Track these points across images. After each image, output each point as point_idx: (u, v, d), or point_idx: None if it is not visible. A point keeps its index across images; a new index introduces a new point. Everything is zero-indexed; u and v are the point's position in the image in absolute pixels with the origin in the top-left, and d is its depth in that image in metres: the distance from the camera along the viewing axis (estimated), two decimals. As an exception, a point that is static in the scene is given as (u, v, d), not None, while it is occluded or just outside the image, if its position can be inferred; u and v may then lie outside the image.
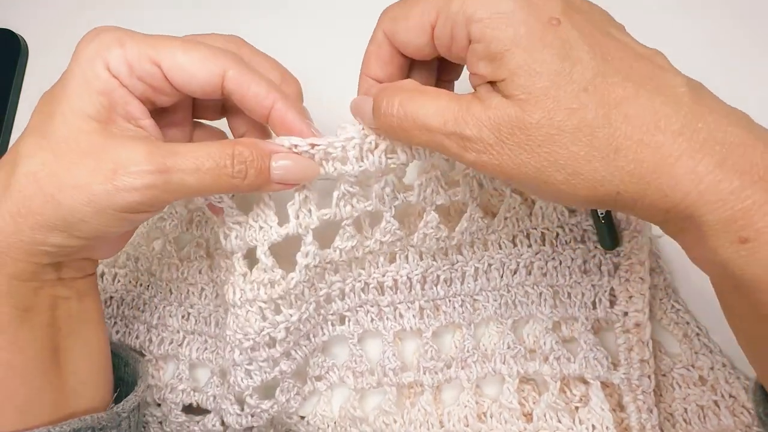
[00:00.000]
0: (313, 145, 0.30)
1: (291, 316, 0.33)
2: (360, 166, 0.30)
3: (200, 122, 0.35)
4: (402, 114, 0.27)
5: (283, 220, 0.32)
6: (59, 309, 0.30)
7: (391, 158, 0.31)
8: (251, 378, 0.34)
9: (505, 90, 0.25)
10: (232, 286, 0.33)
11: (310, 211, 0.32)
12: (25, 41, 0.50)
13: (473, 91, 0.27)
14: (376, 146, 0.30)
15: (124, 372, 0.36)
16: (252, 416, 0.36)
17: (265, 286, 0.33)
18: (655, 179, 0.23)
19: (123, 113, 0.28)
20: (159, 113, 0.31)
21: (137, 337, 0.40)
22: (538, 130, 0.24)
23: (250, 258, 0.33)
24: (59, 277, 0.30)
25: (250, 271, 0.33)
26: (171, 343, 0.40)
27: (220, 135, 0.36)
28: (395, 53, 0.30)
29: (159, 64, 0.27)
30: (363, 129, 0.30)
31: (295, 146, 0.30)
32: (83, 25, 0.49)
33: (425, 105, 0.27)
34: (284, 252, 0.33)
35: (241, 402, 0.36)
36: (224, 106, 0.34)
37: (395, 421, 0.37)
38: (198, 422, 0.39)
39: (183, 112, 0.33)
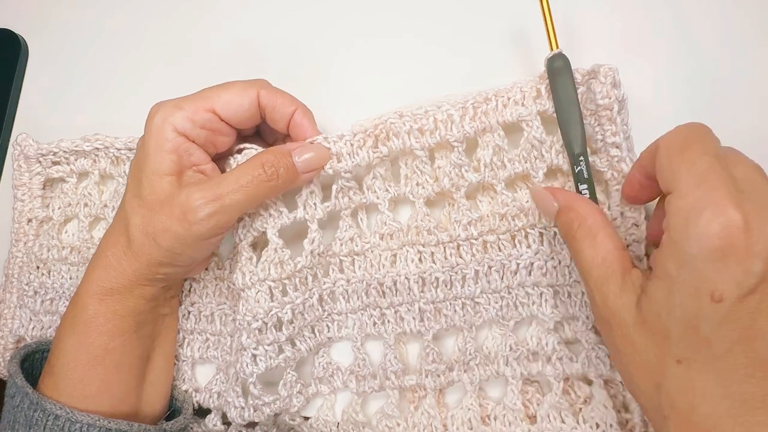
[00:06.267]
0: (324, 141, 0.36)
1: (296, 298, 0.36)
2: (353, 161, 0.35)
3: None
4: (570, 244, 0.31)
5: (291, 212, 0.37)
6: (158, 324, 0.38)
7: (375, 152, 0.35)
8: (256, 364, 0.35)
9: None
10: (240, 270, 0.36)
11: (315, 204, 0.36)
12: (25, 41, 0.50)
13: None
14: (364, 143, 0.35)
15: None
16: (254, 410, 0.36)
17: (275, 266, 0.36)
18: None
19: (188, 163, 0.35)
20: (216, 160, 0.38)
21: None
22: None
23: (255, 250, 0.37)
24: (165, 297, 0.38)
25: (257, 257, 0.36)
26: (171, 343, 0.40)
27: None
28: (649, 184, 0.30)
29: (212, 109, 0.34)
30: (352, 129, 0.35)
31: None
32: (83, 25, 0.49)
33: (581, 251, 0.30)
34: (291, 246, 0.37)
35: (246, 393, 0.36)
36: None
37: (398, 425, 0.37)
38: (200, 423, 0.39)
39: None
